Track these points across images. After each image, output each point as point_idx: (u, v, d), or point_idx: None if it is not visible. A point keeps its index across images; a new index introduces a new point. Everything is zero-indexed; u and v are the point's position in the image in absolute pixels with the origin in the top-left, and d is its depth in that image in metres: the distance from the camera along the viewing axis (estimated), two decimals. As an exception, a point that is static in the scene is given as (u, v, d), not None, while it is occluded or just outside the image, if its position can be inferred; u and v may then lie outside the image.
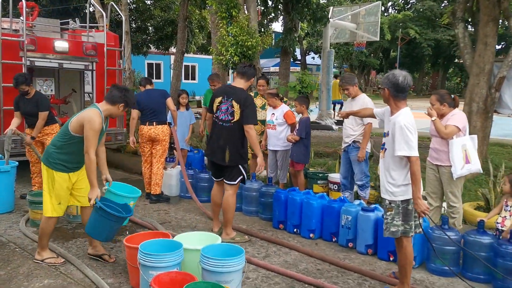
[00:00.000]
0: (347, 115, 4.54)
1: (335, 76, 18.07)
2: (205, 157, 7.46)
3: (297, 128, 5.75)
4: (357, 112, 4.27)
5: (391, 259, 4.16)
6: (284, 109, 5.99)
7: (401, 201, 3.24)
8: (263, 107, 6.33)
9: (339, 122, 14.30)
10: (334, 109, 16.23)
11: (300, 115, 5.89)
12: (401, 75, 3.26)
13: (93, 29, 8.10)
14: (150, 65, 24.61)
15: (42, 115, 5.68)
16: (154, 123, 5.93)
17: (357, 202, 4.67)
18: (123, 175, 7.69)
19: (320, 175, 6.20)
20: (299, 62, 33.29)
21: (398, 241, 3.35)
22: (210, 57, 26.29)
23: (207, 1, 8.44)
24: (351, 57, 33.92)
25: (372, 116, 3.86)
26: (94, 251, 4.06)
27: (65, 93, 8.21)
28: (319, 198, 4.81)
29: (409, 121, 3.20)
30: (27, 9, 6.79)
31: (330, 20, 11.92)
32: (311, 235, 4.74)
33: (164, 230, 4.65)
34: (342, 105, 16.68)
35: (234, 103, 4.35)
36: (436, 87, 42.11)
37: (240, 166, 4.44)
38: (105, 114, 3.75)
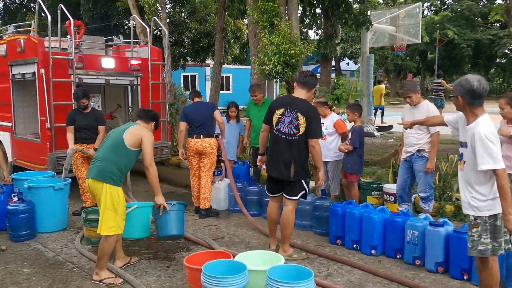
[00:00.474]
0: (411, 125, 4.28)
1: (379, 82, 17.86)
2: (251, 169, 7.36)
3: (349, 137, 5.52)
4: (425, 121, 4.01)
5: (465, 278, 3.85)
6: (334, 118, 5.78)
7: (488, 216, 2.96)
8: None
9: (381, 129, 13.91)
10: (375, 115, 15.89)
11: (352, 123, 5.66)
12: (475, 80, 3.00)
13: (137, 45, 8.17)
14: (185, 78, 24.90)
15: (102, 129, 6.00)
16: (202, 136, 5.86)
17: (422, 215, 4.37)
18: (169, 189, 7.66)
19: (374, 186, 5.92)
20: (334, 68, 32.90)
21: (483, 260, 3.06)
22: (244, 67, 26.59)
23: (247, 11, 8.34)
24: (386, 61, 33.25)
25: (443, 124, 3.59)
26: (123, 261, 4.13)
27: (110, 109, 8.32)
28: (380, 212, 4.54)
29: (489, 130, 2.93)
30: (74, 28, 6.92)
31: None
32: (373, 251, 4.48)
33: (219, 247, 4.52)
34: (383, 111, 16.32)
35: (300, 116, 4.13)
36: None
37: (303, 181, 4.24)
38: None
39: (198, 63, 18.67)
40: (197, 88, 25.56)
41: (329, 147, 5.70)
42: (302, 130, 4.14)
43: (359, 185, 5.87)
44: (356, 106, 5.67)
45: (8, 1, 18.98)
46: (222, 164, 6.72)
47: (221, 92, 19.32)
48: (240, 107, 21.40)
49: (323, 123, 5.77)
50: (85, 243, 4.81)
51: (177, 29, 15.41)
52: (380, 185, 5.90)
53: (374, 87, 16.60)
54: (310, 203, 5.26)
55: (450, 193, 5.70)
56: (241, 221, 5.73)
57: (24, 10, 18.31)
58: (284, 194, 4.33)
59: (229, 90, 26.50)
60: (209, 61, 19.81)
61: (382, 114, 16.29)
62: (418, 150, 4.93)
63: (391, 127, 14.25)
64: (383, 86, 16.83)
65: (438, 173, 5.89)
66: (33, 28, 6.74)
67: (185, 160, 6.52)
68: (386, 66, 33.23)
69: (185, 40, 16.78)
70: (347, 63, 32.73)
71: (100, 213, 3.83)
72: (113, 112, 7.88)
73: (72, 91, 6.42)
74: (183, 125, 5.95)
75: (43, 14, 7.03)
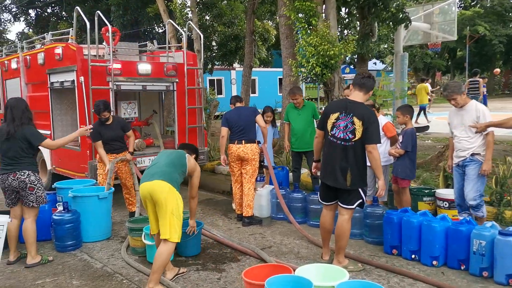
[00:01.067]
0: (485, 128, 3.98)
1: (422, 80, 17.53)
2: (291, 174, 7.16)
3: (400, 140, 5.25)
4: (503, 123, 3.70)
5: (542, 292, 3.54)
6: (383, 121, 5.51)
7: None
8: None
9: (419, 129, 13.47)
10: (419, 114, 15.68)
11: (403, 126, 5.40)
12: None
13: (172, 50, 8.08)
14: (211, 81, 24.88)
15: (131, 133, 6.03)
16: (243, 141, 5.69)
17: (489, 224, 4.07)
18: (207, 195, 7.52)
19: (426, 191, 5.62)
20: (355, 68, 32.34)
21: None
22: (269, 69, 26.38)
23: (283, 12, 8.15)
24: (415, 59, 32.47)
25: None
26: (172, 273, 4.02)
27: (145, 115, 8.25)
28: (442, 220, 4.26)
29: None
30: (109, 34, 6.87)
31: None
32: (434, 262, 4.20)
33: (270, 258, 4.33)
34: (425, 109, 15.95)
35: (356, 120, 3.89)
36: (510, 86, 39.22)
37: (360, 189, 4.01)
38: None
39: (225, 67, 18.62)
40: (223, 92, 25.52)
41: (377, 151, 5.46)
42: (358, 135, 3.90)
43: (410, 190, 5.58)
44: (407, 107, 5.39)
45: (40, 10, 19.35)
46: (264, 170, 6.55)
47: (248, 95, 19.01)
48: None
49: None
50: (131, 253, 4.70)
51: (205, 33, 15.37)
52: (432, 191, 5.60)
53: (417, 85, 16.38)
54: (361, 210, 5.01)
55: (509, 197, 5.36)
56: (286, 229, 5.53)
57: (55, 19, 18.64)
58: (339, 203, 4.10)
59: (255, 93, 26.33)
60: (235, 64, 19.74)
61: (425, 113, 15.98)
62: (472, 154, 4.58)
63: (427, 127, 13.80)
64: (427, 84, 16.50)
65: (495, 177, 5.55)
66: (72, 36, 6.73)
67: (226, 166, 6.36)
68: (415, 64, 32.43)
69: (213, 44, 16.76)
70: (374, 63, 32.07)
71: (163, 218, 3.69)
72: (149, 119, 7.80)
73: (110, 98, 6.39)
74: (224, 131, 5.80)
75: (71, 22, 6.98)
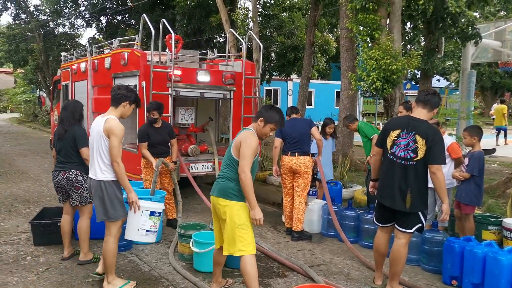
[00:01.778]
0: None
1: (501, 101, 17.29)
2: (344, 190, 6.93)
3: (466, 163, 4.90)
4: None
5: None
6: (448, 141, 5.20)
7: None
8: None
9: (485, 152, 12.64)
10: (498, 135, 15.57)
11: (469, 148, 5.04)
12: None
13: (232, 59, 8.17)
14: (268, 91, 25.00)
15: (175, 141, 6.03)
16: (296, 153, 5.58)
17: None
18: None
19: (492, 219, 5.19)
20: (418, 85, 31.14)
21: None
22: (326, 82, 26.09)
23: (345, 24, 7.99)
24: (482, 78, 30.77)
25: None
26: (219, 285, 3.91)
27: (201, 121, 8.38)
28: (509, 253, 3.89)
29: None
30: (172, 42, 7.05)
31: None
32: (454, 282, 3.86)
33: (318, 277, 4.16)
34: (506, 131, 15.63)
35: (418, 138, 3.66)
36: None
37: (420, 213, 3.76)
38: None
39: (283, 77, 18.62)
40: (279, 103, 25.54)
41: (439, 173, 5.14)
42: (421, 154, 3.66)
43: (474, 217, 5.19)
44: (476, 128, 5.03)
45: (110, 17, 20.44)
46: (317, 183, 6.38)
47: (305, 107, 18.85)
48: (322, 122, 20.79)
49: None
50: (178, 259, 4.72)
51: (264, 43, 15.48)
52: (499, 219, 5.16)
53: (496, 106, 16.27)
54: (419, 235, 4.71)
55: None
56: (337, 248, 5.32)
57: (124, 26, 19.60)
58: (396, 225, 3.86)
59: (311, 105, 26.11)
60: (293, 75, 19.69)
61: (505, 135, 15.70)
62: None
63: (493, 150, 12.93)
64: (505, 106, 16.28)
65: None
66: (137, 42, 6.97)
67: (277, 177, 6.27)
68: (482, 83, 30.72)
69: (271, 54, 16.84)
70: (438, 80, 30.79)
71: (228, 234, 3.49)
72: (204, 125, 7.90)
73: (169, 103, 6.53)
74: (278, 141, 5.73)
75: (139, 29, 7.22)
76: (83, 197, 4.51)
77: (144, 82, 6.40)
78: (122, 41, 8.05)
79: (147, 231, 4.02)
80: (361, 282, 4.28)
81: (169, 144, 5.99)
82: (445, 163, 3.75)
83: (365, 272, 4.53)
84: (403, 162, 3.73)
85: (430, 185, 5.13)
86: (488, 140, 15.69)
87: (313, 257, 4.99)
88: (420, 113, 3.81)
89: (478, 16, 26.99)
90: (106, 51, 8.16)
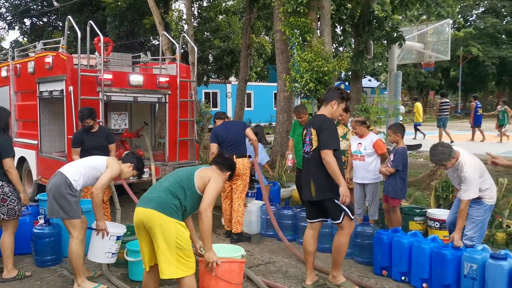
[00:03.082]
0: (496, 164, 3.93)
1: (415, 99, 19.59)
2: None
3: (391, 159, 5.19)
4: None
5: (535, 319, 3.44)
6: (373, 138, 5.46)
7: None
8: (344, 137, 5.84)
9: (412, 147, 13.46)
10: (416, 132, 16.80)
11: (394, 144, 5.33)
12: None
13: (166, 62, 8.03)
14: (207, 94, 24.90)
15: (113, 147, 5.74)
16: (234, 156, 5.59)
17: (480, 246, 3.98)
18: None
19: (417, 210, 5.53)
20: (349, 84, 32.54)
21: None
22: (265, 84, 26.47)
23: (279, 27, 8.15)
24: (409, 78, 32.75)
25: None
26: None
27: (136, 126, 8.16)
28: (432, 242, 4.17)
29: None
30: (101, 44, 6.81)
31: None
32: (424, 285, 4.10)
33: (256, 277, 4.19)
34: (415, 127, 17.08)
35: (312, 130, 3.96)
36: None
37: (335, 200, 3.88)
38: None
39: (221, 80, 18.66)
40: (218, 105, 25.52)
41: (368, 169, 5.40)
42: (315, 144, 3.92)
43: (400, 209, 5.50)
44: (399, 126, 5.34)
45: (35, 19, 19.32)
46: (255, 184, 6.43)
47: (243, 109, 18.97)
48: (262, 124, 21.44)
49: (360, 143, 5.49)
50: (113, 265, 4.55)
51: (201, 47, 15.42)
52: (424, 210, 5.51)
53: (415, 104, 17.86)
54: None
55: (501, 219, 5.28)
56: (275, 247, 5.41)
57: (51, 28, 18.61)
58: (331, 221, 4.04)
59: (250, 107, 26.37)
60: (231, 78, 19.79)
61: (416, 130, 17.02)
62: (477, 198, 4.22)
63: (419, 145, 13.79)
64: (419, 103, 18.04)
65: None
66: (62, 45, 6.64)
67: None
68: (409, 83, 32.69)
69: (209, 57, 16.81)
70: (370, 80, 32.36)
71: (166, 255, 3.15)
72: (139, 130, 7.70)
73: (100, 109, 6.28)
74: (214, 147, 5.70)
75: (68, 32, 6.90)
76: (10, 210, 4.22)
77: (71, 87, 6.11)
78: (47, 44, 7.64)
79: (112, 253, 4.21)
80: (299, 279, 4.37)
81: (106, 149, 5.74)
82: (335, 148, 3.84)
83: (303, 269, 4.63)
84: (306, 155, 4.03)
85: (363, 181, 5.44)
86: (419, 136, 16.92)
87: (252, 257, 5.03)
88: (321, 110, 4.11)
89: (402, 19, 28.74)
90: (32, 55, 7.72)
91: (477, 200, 4.19)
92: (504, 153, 12.20)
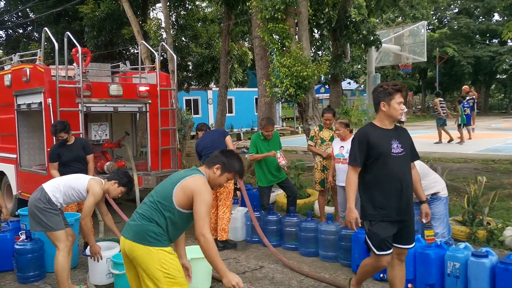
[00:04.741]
0: None
1: None
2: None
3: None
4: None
5: (517, 313, 3.53)
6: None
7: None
8: (332, 139, 5.92)
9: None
10: None
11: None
12: None
13: (145, 71, 7.99)
14: (188, 101, 24.84)
15: (91, 158, 5.67)
16: (216, 164, 5.60)
17: (462, 245, 4.07)
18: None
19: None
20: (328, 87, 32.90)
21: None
22: (245, 89, 26.54)
23: (258, 33, 8.20)
24: (387, 79, 33.30)
25: None
26: None
27: (117, 136, 8.08)
28: (415, 242, 4.22)
29: None
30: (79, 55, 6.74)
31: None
32: (409, 285, 4.16)
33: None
34: None
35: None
36: (479, 105, 40.53)
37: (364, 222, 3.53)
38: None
39: (202, 87, 18.63)
40: (200, 112, 25.48)
41: (350, 172, 5.45)
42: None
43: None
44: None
45: (11, 31, 18.98)
46: (238, 192, 6.45)
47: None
48: (243, 129, 21.52)
49: (342, 146, 5.55)
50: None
51: (180, 54, 15.39)
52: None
53: None
54: (335, 232, 4.97)
55: (481, 217, 5.40)
56: (261, 253, 5.41)
57: (26, 39, 18.30)
58: None
59: (231, 112, 26.39)
60: (212, 85, 19.78)
61: None
62: (433, 194, 4.50)
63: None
64: None
65: (467, 196, 5.60)
66: (39, 57, 6.56)
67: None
68: (388, 85, 33.21)
69: (189, 64, 16.77)
70: (349, 83, 32.77)
71: None
72: (121, 140, 7.62)
73: (80, 120, 6.21)
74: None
75: (45, 43, 6.81)
76: None
77: (50, 99, 6.03)
78: (23, 56, 7.53)
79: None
80: (285, 284, 4.39)
81: (85, 161, 5.65)
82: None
83: (289, 274, 4.65)
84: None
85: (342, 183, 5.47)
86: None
87: (238, 265, 5.02)
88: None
89: (379, 22, 29.24)
90: (8, 67, 7.58)
91: (434, 196, 4.44)
92: (482, 151, 12.47)
